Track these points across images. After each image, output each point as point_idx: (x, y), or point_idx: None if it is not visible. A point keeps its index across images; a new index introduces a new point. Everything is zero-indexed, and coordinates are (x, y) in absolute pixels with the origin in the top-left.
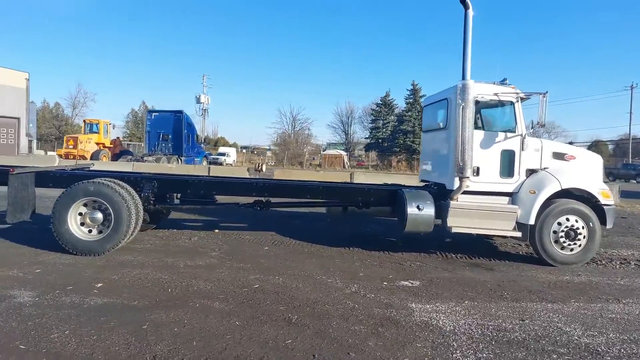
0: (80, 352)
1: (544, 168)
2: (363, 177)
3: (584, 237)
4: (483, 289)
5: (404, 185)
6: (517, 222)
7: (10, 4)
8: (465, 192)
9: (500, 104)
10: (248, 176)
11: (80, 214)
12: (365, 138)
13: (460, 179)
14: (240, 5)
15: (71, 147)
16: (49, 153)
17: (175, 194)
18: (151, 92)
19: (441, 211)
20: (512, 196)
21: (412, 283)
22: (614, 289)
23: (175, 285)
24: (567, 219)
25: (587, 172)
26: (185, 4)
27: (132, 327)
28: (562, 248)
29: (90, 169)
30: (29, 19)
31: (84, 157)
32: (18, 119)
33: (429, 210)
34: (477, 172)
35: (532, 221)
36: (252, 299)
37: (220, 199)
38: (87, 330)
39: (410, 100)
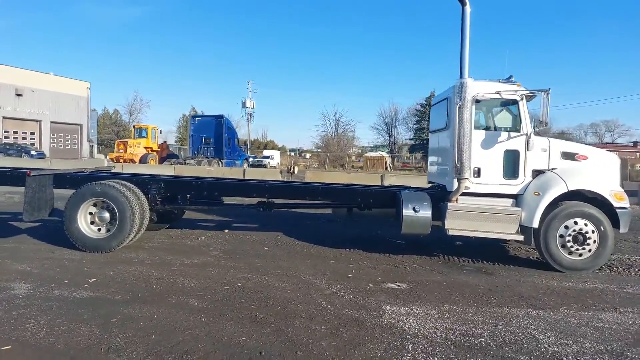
0: (45, 340)
1: (552, 169)
2: (393, 179)
3: (594, 241)
4: (471, 294)
5: (406, 187)
6: (521, 225)
7: (74, 20)
8: (467, 194)
9: (504, 102)
10: (281, 178)
11: (91, 213)
12: (410, 139)
13: (459, 180)
14: (282, 9)
15: (121, 151)
16: (96, 156)
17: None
18: (200, 98)
19: (441, 213)
20: (517, 198)
21: (398, 285)
22: (618, 297)
23: (163, 282)
24: (575, 222)
25: (600, 173)
26: (230, 13)
27: (102, 320)
28: (570, 253)
29: (111, 171)
30: (90, 33)
31: (132, 161)
32: (80, 125)
33: (425, 212)
34: (478, 173)
35: (535, 224)
36: (229, 297)
37: (227, 200)
38: (61, 321)
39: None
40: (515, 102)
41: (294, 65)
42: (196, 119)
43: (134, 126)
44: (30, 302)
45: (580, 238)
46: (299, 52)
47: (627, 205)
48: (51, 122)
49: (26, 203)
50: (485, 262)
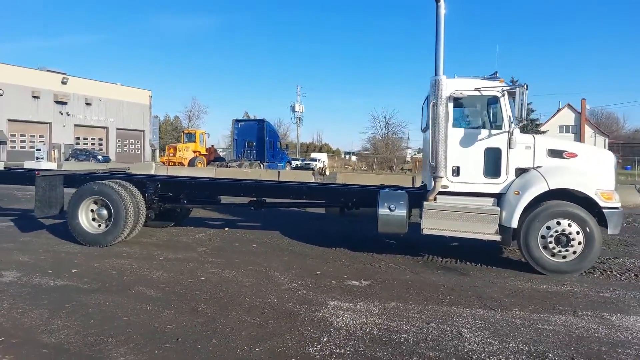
0: None
1: (537, 167)
2: (419, 180)
3: (579, 243)
4: (429, 293)
5: (389, 186)
6: (501, 225)
7: (137, 33)
8: (446, 193)
9: (484, 99)
10: (313, 180)
11: (92, 210)
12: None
13: (434, 179)
14: (330, 13)
15: (171, 154)
16: (148, 160)
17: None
18: (253, 103)
19: (420, 212)
20: (500, 197)
21: (361, 283)
22: (587, 300)
23: (135, 274)
24: (558, 223)
25: (590, 172)
26: (280, 22)
27: (57, 306)
28: (553, 255)
29: (126, 172)
30: (153, 44)
31: (181, 164)
32: (143, 131)
33: (401, 211)
34: (457, 171)
35: (514, 224)
36: (186, 289)
37: (225, 199)
38: (21, 305)
39: None
40: (496, 99)
41: (348, 68)
42: (239, 123)
43: (182, 131)
44: (7, 287)
45: (563, 239)
46: (353, 55)
47: (617, 205)
48: (117, 129)
49: (37, 201)
50: (468, 263)
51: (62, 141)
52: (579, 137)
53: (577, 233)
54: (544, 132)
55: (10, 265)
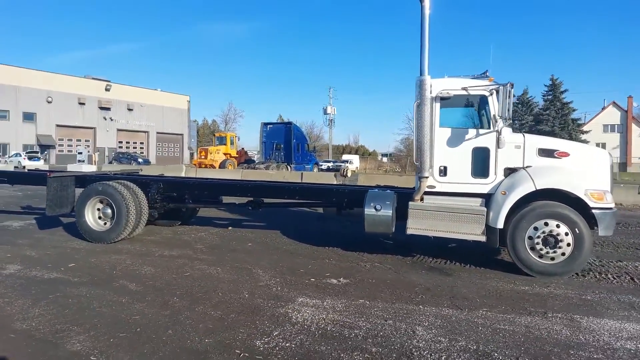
0: None
1: (527, 167)
2: None
3: (568, 244)
4: (403, 292)
5: (383, 186)
6: (488, 226)
7: (177, 40)
8: (434, 193)
9: (472, 98)
10: (335, 182)
11: (98, 209)
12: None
13: (419, 179)
14: (358, 15)
15: (203, 157)
16: (171, 165)
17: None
18: (287, 106)
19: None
20: (489, 198)
21: (339, 281)
22: (564, 303)
23: (125, 269)
24: (546, 224)
25: (582, 171)
26: (315, 25)
27: (41, 296)
28: (541, 256)
29: (139, 173)
30: (190, 50)
31: (212, 166)
32: (181, 135)
33: (387, 211)
34: (444, 172)
35: (500, 225)
36: (168, 284)
37: (226, 199)
38: (9, 295)
39: (549, 97)
40: (483, 98)
41: (384, 69)
42: (268, 126)
43: (214, 134)
44: (5, 279)
45: (551, 240)
46: (391, 54)
47: (609, 205)
48: (157, 133)
49: (48, 200)
50: (458, 264)
51: (106, 145)
52: (625, 137)
53: (566, 234)
54: (586, 132)
55: (16, 259)
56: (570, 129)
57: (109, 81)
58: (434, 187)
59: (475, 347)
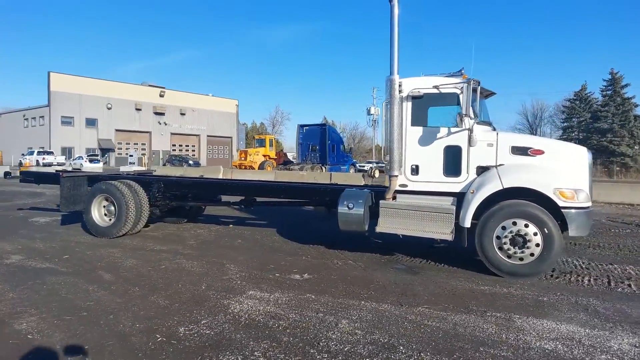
0: None
1: (499, 165)
2: None
3: (537, 245)
4: (356, 288)
5: (358, 186)
6: (458, 225)
7: (226, 47)
8: (406, 192)
9: (443, 96)
10: (362, 182)
11: (104, 206)
12: (557, 139)
13: (390, 178)
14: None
15: (242, 159)
16: (211, 166)
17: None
18: (332, 108)
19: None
20: (462, 197)
21: (302, 276)
22: (516, 303)
23: (111, 261)
24: (514, 223)
25: (557, 169)
26: (361, 27)
27: (23, 282)
28: (509, 257)
29: (153, 174)
30: (239, 56)
31: (252, 167)
32: (230, 138)
33: (359, 209)
34: (416, 170)
35: (466, 224)
36: (138, 275)
37: (224, 198)
38: None
39: (608, 93)
40: (455, 96)
41: (425, 65)
42: (304, 128)
43: (254, 136)
44: (2, 268)
45: (519, 240)
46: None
47: (580, 205)
48: (207, 136)
49: (62, 197)
50: (433, 263)
51: (161, 148)
52: None
53: (535, 234)
54: None
55: (23, 251)
56: (632, 126)
57: (163, 88)
58: (406, 185)
59: (385, 340)
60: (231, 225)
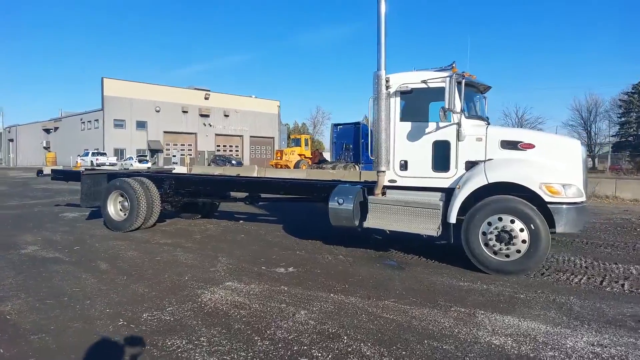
0: None
1: (488, 159)
2: None
3: (524, 241)
4: (333, 281)
5: (351, 182)
6: (446, 221)
7: (267, 50)
8: (396, 188)
9: (432, 91)
10: None
11: (120, 202)
12: (612, 136)
13: (377, 174)
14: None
15: (279, 158)
16: (247, 165)
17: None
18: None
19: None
20: (451, 192)
21: (286, 270)
22: (486, 299)
23: (113, 253)
24: (500, 219)
25: (546, 164)
26: (397, 28)
27: (27, 270)
28: (495, 253)
29: (172, 172)
30: (282, 58)
31: (287, 166)
32: (272, 138)
33: (348, 205)
34: (404, 166)
35: (452, 220)
36: (131, 265)
37: (234, 195)
38: (3, 267)
39: None
40: (444, 90)
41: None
42: (338, 127)
43: (289, 136)
44: (14, 256)
45: (505, 236)
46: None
47: (569, 200)
48: (250, 137)
49: (83, 194)
50: (423, 259)
51: (206, 149)
52: None
53: (521, 230)
54: None
55: (40, 242)
56: None
57: (208, 90)
58: (395, 181)
59: (334, 330)
60: (241, 222)
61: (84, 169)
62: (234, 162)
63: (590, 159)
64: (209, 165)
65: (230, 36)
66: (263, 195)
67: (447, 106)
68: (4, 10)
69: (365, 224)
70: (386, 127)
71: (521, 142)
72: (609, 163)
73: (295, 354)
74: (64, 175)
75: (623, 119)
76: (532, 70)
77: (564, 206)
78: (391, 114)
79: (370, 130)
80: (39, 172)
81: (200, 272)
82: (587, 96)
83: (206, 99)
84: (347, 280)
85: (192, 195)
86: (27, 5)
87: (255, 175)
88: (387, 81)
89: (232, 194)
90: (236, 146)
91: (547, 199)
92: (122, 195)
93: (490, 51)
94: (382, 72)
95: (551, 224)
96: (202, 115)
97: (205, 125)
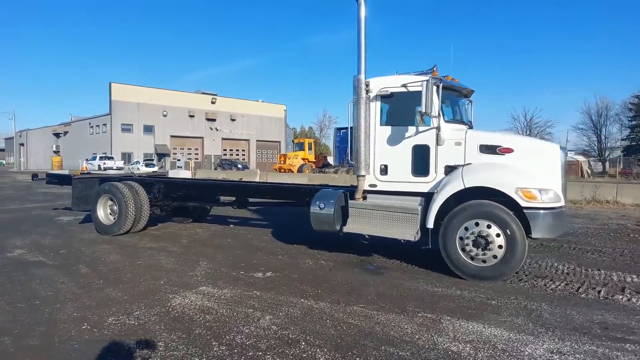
0: None
1: (467, 164)
2: None
3: (500, 246)
4: (307, 286)
5: (334, 186)
6: (423, 226)
7: (275, 55)
8: (377, 192)
9: (412, 95)
10: None
11: (109, 206)
12: (623, 139)
13: (357, 178)
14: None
15: (282, 162)
16: (250, 170)
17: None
18: None
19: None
20: (430, 197)
21: (264, 275)
22: (456, 305)
23: (97, 256)
24: (477, 224)
25: (524, 168)
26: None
27: (7, 274)
28: (472, 258)
29: (166, 176)
30: (288, 62)
31: (290, 170)
32: (279, 142)
33: (329, 210)
34: (385, 170)
35: (429, 224)
36: (112, 269)
37: (222, 199)
38: None
39: None
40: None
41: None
42: (340, 131)
43: (293, 140)
44: (1, 260)
45: (481, 242)
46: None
47: (545, 205)
48: (257, 141)
49: (74, 197)
50: (405, 264)
51: (212, 153)
52: None
53: (497, 235)
54: None
55: (29, 245)
56: None
57: (214, 95)
58: (375, 185)
59: (294, 336)
60: (232, 226)
61: (73, 173)
62: (240, 166)
63: (600, 163)
64: (215, 169)
65: (238, 41)
66: (251, 200)
67: (423, 110)
68: (18, 20)
69: (345, 229)
70: (366, 132)
71: (500, 146)
72: (620, 166)
73: (249, 359)
74: (57, 179)
75: (634, 122)
76: (542, 73)
77: (541, 211)
78: (371, 118)
79: (350, 135)
80: (34, 176)
81: (178, 276)
82: (598, 99)
83: (213, 103)
84: (322, 285)
85: (182, 200)
86: (38, 14)
87: (257, 179)
88: (367, 85)
89: (222, 198)
90: (243, 150)
91: (523, 203)
92: (111, 200)
93: (499, 53)
94: (362, 75)
95: (529, 229)
96: (208, 120)
97: (211, 129)
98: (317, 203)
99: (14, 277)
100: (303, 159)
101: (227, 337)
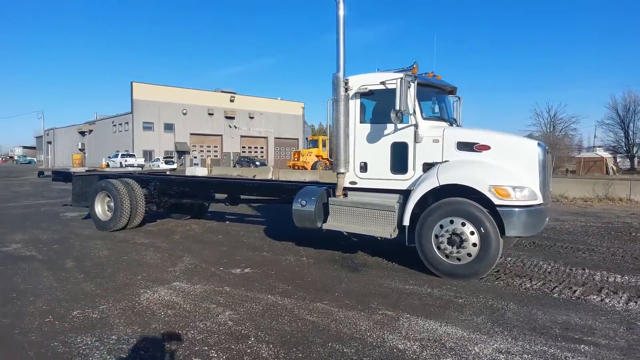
0: None
1: (444, 161)
2: None
3: (474, 244)
4: (279, 283)
5: (324, 183)
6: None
7: (293, 54)
8: (357, 189)
9: (390, 92)
10: None
11: (107, 202)
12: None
13: (337, 175)
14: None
15: (296, 159)
16: (263, 167)
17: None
18: None
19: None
20: (408, 194)
21: (242, 271)
22: (420, 303)
23: (87, 252)
24: (451, 222)
25: (500, 166)
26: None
27: (2, 268)
28: (447, 256)
29: (161, 174)
30: (306, 59)
31: (304, 168)
32: (297, 139)
33: (310, 207)
34: (364, 168)
35: (405, 222)
36: (96, 264)
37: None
38: None
39: None
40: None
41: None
42: None
43: (307, 138)
44: None
45: (456, 240)
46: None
47: (520, 203)
48: (275, 138)
49: (74, 194)
50: (385, 261)
51: (231, 150)
52: None
53: (472, 233)
54: None
55: (26, 240)
56: None
57: (233, 93)
58: (355, 183)
59: (247, 331)
60: (227, 222)
61: (73, 171)
62: (257, 163)
63: (629, 160)
64: (233, 166)
65: (258, 39)
66: (242, 197)
67: (397, 107)
68: (47, 28)
69: (325, 226)
70: (345, 129)
71: (477, 143)
72: None
73: (192, 353)
74: (62, 176)
75: None
76: (570, 65)
77: (515, 209)
78: (351, 116)
79: (329, 132)
80: (40, 173)
81: (157, 272)
82: (625, 94)
83: (231, 101)
84: (295, 281)
85: (177, 196)
86: (69, 18)
87: (270, 177)
88: (345, 83)
89: (218, 195)
90: (261, 147)
91: (496, 201)
92: (108, 196)
93: (520, 49)
94: (341, 73)
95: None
96: (227, 117)
97: (230, 127)
98: (299, 200)
99: (1, 270)
100: (317, 156)
101: (179, 332)
